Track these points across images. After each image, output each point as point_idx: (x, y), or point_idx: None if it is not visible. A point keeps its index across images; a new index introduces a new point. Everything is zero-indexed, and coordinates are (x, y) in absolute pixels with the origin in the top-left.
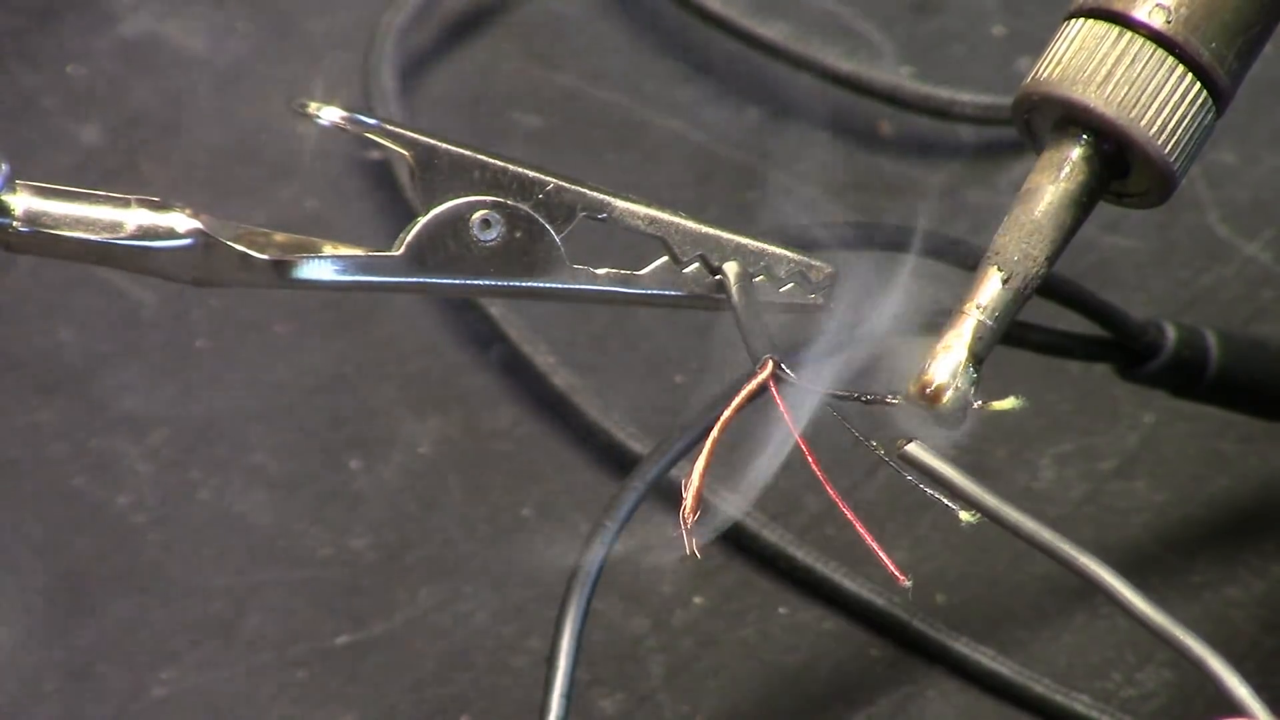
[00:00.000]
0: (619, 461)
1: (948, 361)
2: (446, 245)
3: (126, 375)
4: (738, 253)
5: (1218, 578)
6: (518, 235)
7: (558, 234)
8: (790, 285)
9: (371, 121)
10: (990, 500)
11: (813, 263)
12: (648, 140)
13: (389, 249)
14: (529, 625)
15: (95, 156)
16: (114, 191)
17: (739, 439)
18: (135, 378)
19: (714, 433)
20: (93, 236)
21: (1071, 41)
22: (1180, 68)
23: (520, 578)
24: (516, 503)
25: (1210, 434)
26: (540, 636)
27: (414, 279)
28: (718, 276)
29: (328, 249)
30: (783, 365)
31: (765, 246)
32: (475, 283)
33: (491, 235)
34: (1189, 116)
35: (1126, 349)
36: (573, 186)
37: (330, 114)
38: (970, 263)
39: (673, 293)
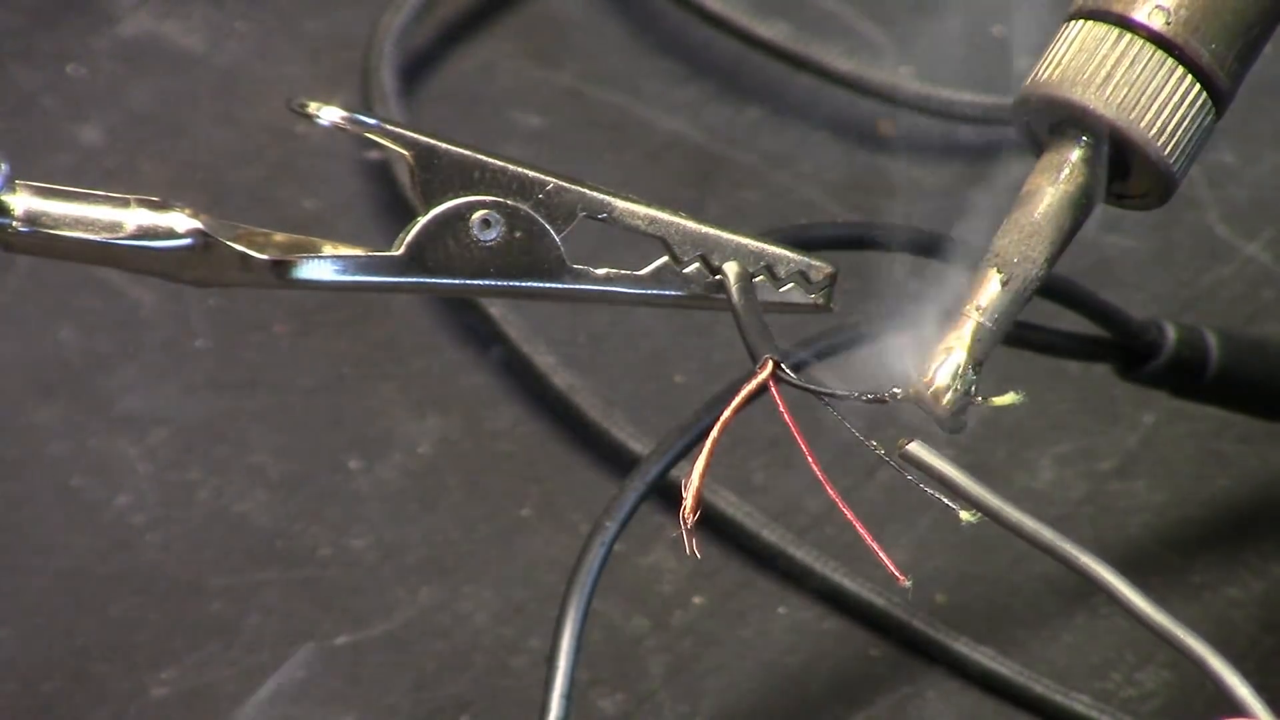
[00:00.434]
0: (619, 461)
1: (948, 364)
2: (446, 245)
3: (126, 375)
4: (738, 253)
5: (1218, 578)
6: (518, 235)
7: (558, 234)
8: (790, 285)
9: (371, 121)
10: (990, 500)
11: (813, 263)
12: (648, 140)
13: (389, 249)
14: (529, 625)
15: (95, 156)
16: (114, 191)
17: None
18: (135, 378)
19: (714, 433)
20: (92, 236)
21: (1071, 43)
22: (1180, 69)
23: (520, 578)
24: (516, 503)
25: (1210, 434)
26: (540, 636)
27: (414, 279)
28: (718, 276)
29: (328, 249)
30: (783, 365)
31: (765, 246)
32: (475, 283)
33: (491, 235)
34: (1189, 118)
35: (1126, 349)
36: (573, 186)
37: (330, 114)
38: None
39: (673, 293)
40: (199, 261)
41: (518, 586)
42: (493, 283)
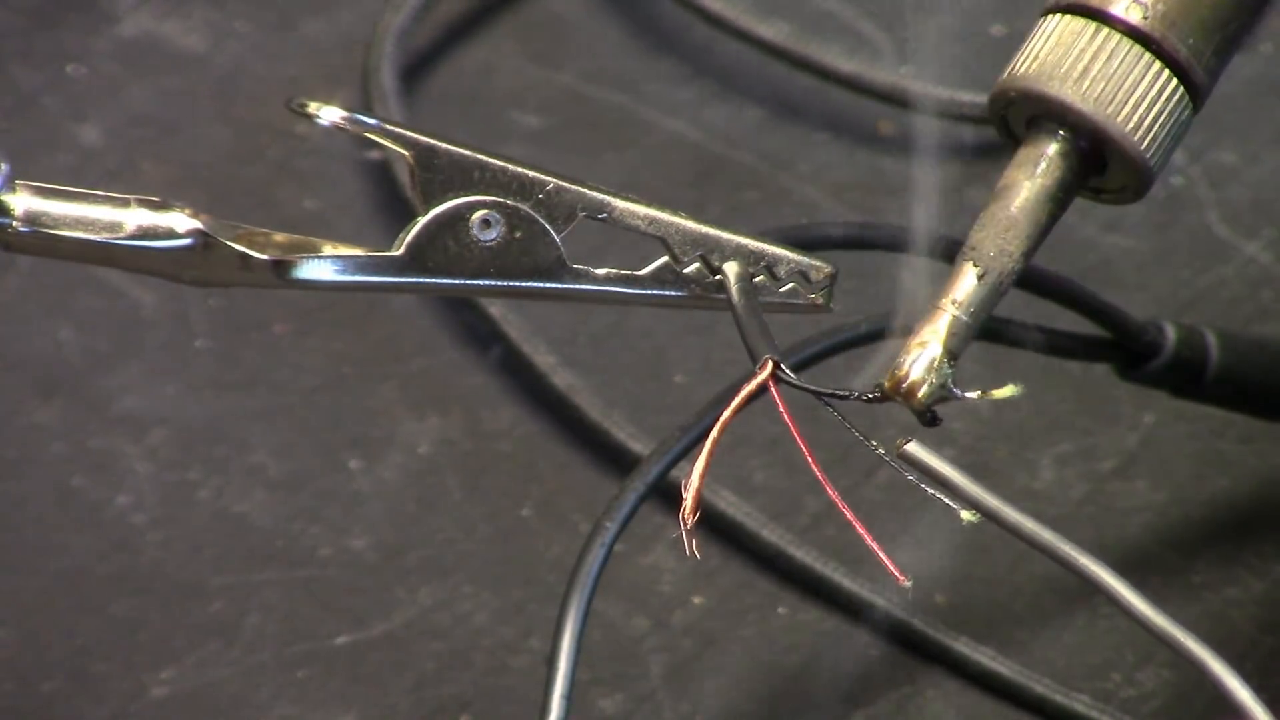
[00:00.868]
0: (619, 461)
1: (923, 357)
2: (446, 245)
3: (126, 375)
4: (738, 253)
5: (1218, 578)
6: (518, 235)
7: (558, 234)
8: (790, 285)
9: (371, 121)
10: (990, 500)
11: (813, 263)
12: (648, 140)
13: (389, 249)
14: (529, 625)
15: (95, 156)
16: (114, 191)
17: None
18: (135, 378)
19: (714, 433)
20: (92, 236)
21: (1048, 37)
22: (1157, 64)
23: (520, 578)
24: (516, 503)
25: (1210, 434)
26: (540, 636)
27: (414, 279)
28: (718, 276)
29: (328, 249)
30: (783, 365)
31: (765, 246)
32: (475, 283)
33: (491, 235)
34: (1165, 113)
35: (1126, 349)
36: (573, 186)
37: (330, 114)
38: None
39: (673, 293)
40: (199, 261)
41: (518, 586)
42: (493, 283)
